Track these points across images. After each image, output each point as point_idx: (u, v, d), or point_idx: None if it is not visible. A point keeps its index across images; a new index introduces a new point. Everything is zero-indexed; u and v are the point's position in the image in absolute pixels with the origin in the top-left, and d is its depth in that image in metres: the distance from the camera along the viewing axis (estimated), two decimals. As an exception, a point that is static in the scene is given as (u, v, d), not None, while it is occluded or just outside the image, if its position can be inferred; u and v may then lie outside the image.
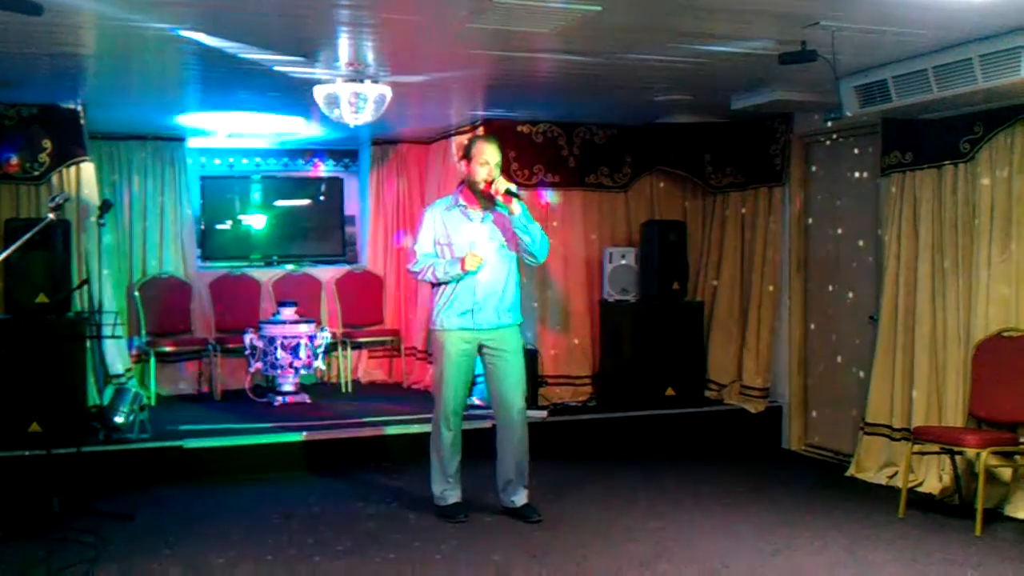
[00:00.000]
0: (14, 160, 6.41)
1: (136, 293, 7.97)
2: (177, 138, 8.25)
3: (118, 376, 6.79)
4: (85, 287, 6.17)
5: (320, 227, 9.21)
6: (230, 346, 8.02)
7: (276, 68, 5.35)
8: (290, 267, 8.86)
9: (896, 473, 5.82)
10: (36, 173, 6.48)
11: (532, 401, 6.67)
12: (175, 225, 8.29)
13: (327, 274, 8.88)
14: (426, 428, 5.35)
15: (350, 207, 9.28)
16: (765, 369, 7.32)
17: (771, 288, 7.30)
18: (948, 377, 5.64)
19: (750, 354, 7.40)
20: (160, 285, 8.12)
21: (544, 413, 6.90)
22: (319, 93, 5.69)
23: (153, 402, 7.35)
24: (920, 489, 5.68)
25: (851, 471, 6.18)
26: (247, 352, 7.48)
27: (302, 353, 7.45)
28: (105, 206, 6.37)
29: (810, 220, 7.11)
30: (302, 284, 8.70)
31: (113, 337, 6.16)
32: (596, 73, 5.59)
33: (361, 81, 5.61)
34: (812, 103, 6.25)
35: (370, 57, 5.19)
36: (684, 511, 5.32)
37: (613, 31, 4.60)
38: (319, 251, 9.13)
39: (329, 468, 6.15)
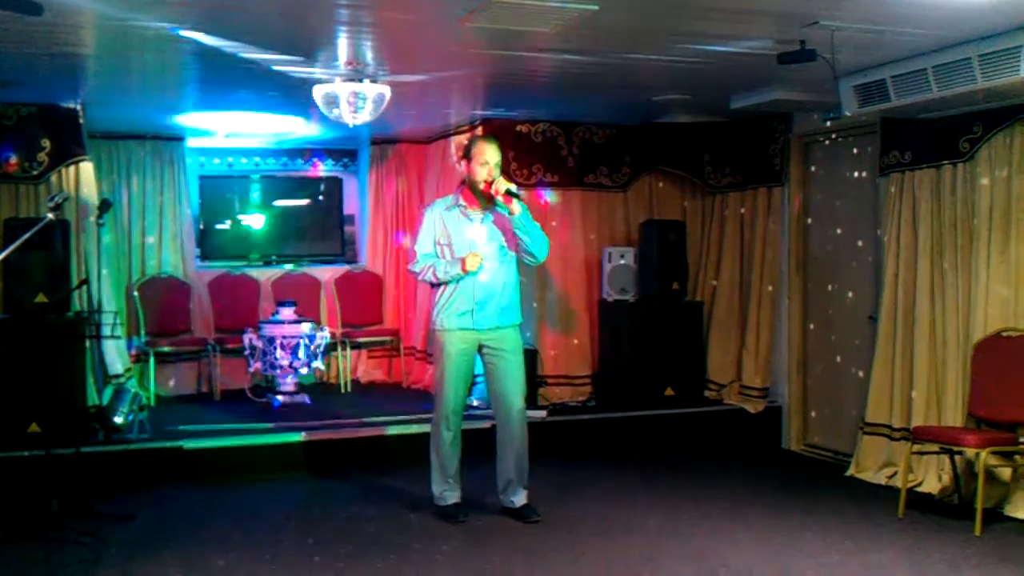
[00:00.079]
0: (13, 159, 6.40)
1: (135, 293, 7.97)
2: (176, 138, 8.24)
3: (117, 376, 6.79)
4: (84, 287, 6.16)
5: (319, 227, 9.20)
6: (229, 346, 8.02)
7: (275, 68, 5.36)
8: (289, 267, 8.85)
9: (896, 473, 5.82)
10: (35, 172, 6.47)
11: (532, 401, 6.67)
12: (174, 225, 8.28)
13: (326, 274, 8.87)
14: (426, 428, 5.35)
15: (349, 207, 9.28)
16: (764, 369, 7.32)
17: (770, 288, 7.29)
18: (947, 377, 5.64)
19: (749, 354, 7.40)
20: (159, 285, 8.11)
21: (544, 413, 6.90)
22: (318, 93, 5.69)
23: (152, 402, 7.34)
24: (920, 489, 5.67)
25: (851, 471, 6.18)
26: (246, 352, 7.46)
27: (301, 353, 7.43)
28: (104, 206, 6.35)
29: (809, 220, 7.11)
30: (301, 284, 8.69)
31: (112, 337, 6.15)
32: (595, 73, 5.59)
33: (360, 81, 5.61)
34: (811, 103, 6.26)
35: (369, 56, 5.19)
36: (683, 511, 5.32)
37: (611, 30, 4.60)
38: (318, 251, 9.13)
39: (329, 468, 6.14)
